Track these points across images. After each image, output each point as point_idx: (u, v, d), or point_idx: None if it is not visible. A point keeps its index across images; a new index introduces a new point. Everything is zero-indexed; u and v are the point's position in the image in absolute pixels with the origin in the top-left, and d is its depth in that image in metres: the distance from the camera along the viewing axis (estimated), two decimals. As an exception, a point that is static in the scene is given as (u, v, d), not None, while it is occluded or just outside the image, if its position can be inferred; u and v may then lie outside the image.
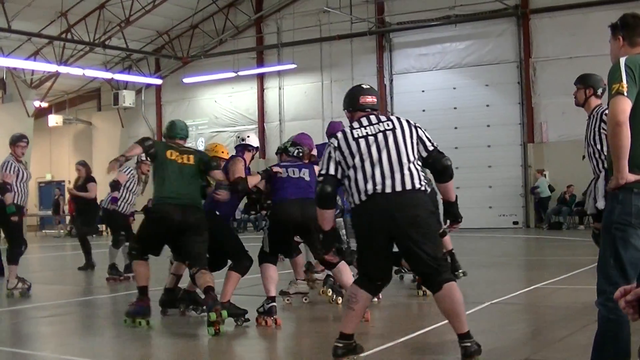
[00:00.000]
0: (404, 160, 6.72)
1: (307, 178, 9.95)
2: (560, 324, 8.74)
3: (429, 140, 6.92)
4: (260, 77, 38.00)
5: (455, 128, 32.22)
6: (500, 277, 14.03)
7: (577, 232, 26.58)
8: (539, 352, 7.55)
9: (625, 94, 5.07)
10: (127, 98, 38.78)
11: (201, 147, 38.61)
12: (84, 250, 17.32)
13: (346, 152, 6.82)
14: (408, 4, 33.37)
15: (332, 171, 6.82)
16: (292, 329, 9.74)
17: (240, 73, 37.21)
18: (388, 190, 6.61)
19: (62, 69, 34.97)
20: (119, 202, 15.27)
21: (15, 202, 13.40)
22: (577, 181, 27.28)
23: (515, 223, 31.71)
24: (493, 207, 31.72)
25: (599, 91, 8.74)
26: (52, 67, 34.64)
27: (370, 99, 7.27)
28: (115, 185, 15.02)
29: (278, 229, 9.91)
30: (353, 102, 7.24)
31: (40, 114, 40.66)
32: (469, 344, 6.62)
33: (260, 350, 8.77)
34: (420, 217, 6.61)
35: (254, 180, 10.01)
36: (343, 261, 9.32)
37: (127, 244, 14.95)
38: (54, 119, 41.34)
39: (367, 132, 6.91)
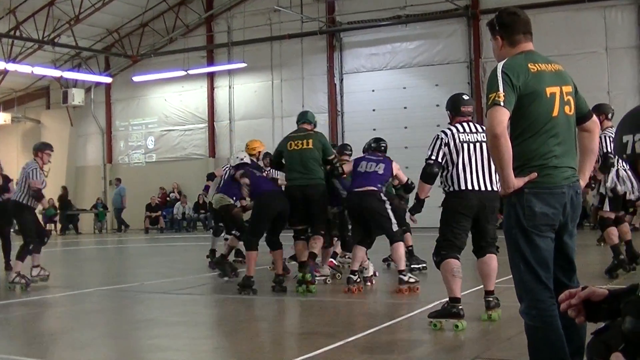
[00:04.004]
0: (491, 167, 8.73)
1: (380, 172, 12.22)
2: (509, 323, 8.77)
3: None
4: (211, 76, 37.86)
5: (405, 128, 32.30)
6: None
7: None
8: (488, 350, 7.58)
9: (502, 103, 5.01)
10: (77, 96, 38.41)
11: (150, 146, 38.58)
12: (3, 250, 17.01)
13: (453, 151, 8.86)
14: (358, 3, 33.41)
15: (440, 159, 8.86)
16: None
17: (190, 72, 37.09)
18: (478, 187, 8.78)
19: (11, 67, 34.58)
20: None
21: (30, 204, 14.14)
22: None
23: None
24: (443, 206, 31.80)
25: None
26: (0, 65, 34.22)
27: (469, 109, 9.40)
28: (210, 176, 17.35)
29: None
30: (456, 109, 9.36)
31: (-12, 112, 40.29)
32: (491, 299, 9.05)
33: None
34: (496, 207, 8.92)
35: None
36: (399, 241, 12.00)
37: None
38: (2, 117, 40.68)
39: (469, 139, 8.97)
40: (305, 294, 11.68)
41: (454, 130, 9.05)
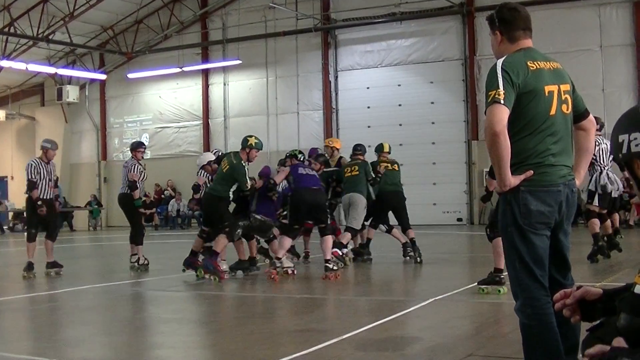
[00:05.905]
0: None
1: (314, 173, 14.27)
2: (504, 320, 8.80)
3: None
4: (205, 73, 37.87)
5: (400, 125, 32.34)
6: (444, 273, 14.06)
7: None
8: (482, 347, 7.56)
9: (502, 101, 4.95)
10: (71, 93, 38.47)
11: (145, 143, 38.49)
12: None
13: None
14: (353, 0, 33.46)
15: None
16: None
17: (185, 69, 37.13)
18: None
19: (5, 63, 34.67)
20: None
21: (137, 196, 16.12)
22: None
23: (459, 220, 31.87)
24: (437, 204, 31.81)
25: None
26: (-5, 61, 34.25)
27: None
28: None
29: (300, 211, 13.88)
30: None
31: (-18, 109, 40.22)
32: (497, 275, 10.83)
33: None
34: None
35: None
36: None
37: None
38: (-4, 114, 40.81)
39: None
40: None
41: None
